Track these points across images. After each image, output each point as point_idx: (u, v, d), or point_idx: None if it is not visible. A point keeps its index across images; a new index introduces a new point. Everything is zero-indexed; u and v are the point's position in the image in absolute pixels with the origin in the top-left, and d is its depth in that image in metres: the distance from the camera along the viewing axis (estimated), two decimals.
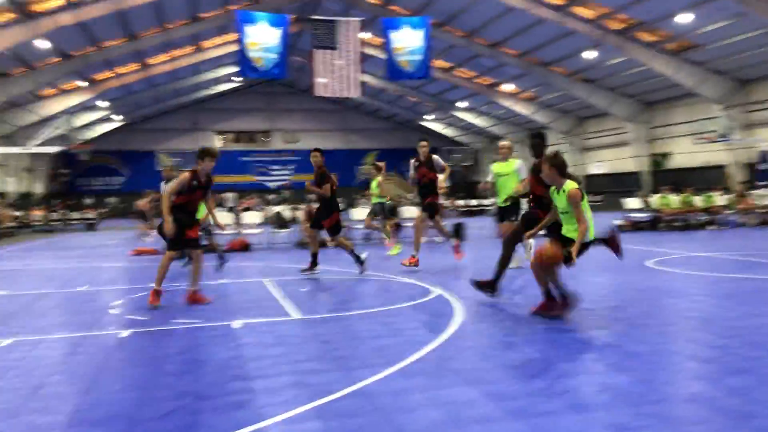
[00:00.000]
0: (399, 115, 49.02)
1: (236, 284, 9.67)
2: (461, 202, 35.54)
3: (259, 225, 18.15)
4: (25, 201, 36.60)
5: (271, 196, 40.90)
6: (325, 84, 25.21)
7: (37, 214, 31.26)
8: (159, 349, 5.62)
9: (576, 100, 35.24)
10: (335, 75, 25.09)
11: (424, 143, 11.19)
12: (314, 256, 10.23)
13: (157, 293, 7.63)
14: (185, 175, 7.77)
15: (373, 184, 15.38)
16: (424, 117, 47.45)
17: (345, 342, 5.69)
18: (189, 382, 4.59)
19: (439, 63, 33.70)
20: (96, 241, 20.99)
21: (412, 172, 11.28)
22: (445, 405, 3.96)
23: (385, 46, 26.33)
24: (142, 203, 20.00)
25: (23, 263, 14.05)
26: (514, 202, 10.14)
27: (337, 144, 49.72)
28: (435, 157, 11.16)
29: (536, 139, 7.79)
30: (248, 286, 9.44)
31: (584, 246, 6.10)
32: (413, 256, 10.48)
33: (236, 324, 6.59)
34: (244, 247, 15.36)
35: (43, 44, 24.42)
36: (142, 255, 14.52)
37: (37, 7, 22.56)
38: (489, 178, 10.67)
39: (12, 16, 22.18)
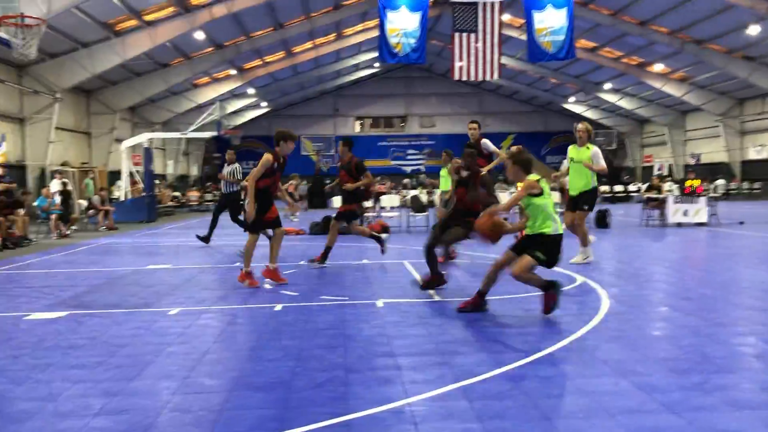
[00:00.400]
0: (538, 97, 47.76)
1: (378, 265, 9.92)
2: (604, 188, 34.19)
3: (397, 208, 18.48)
4: (182, 182, 39.56)
5: (405, 180, 41.39)
6: (463, 67, 25.04)
7: (193, 194, 33.76)
8: (309, 323, 5.92)
9: (734, 79, 32.62)
10: (474, 58, 24.86)
11: (473, 124, 10.27)
12: (376, 237, 10.03)
13: (247, 274, 8.00)
14: (268, 157, 8.03)
15: (443, 172, 13.61)
16: (566, 99, 45.91)
17: (488, 326, 5.71)
18: (339, 355, 4.81)
19: (582, 43, 32.40)
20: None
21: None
22: (593, 394, 3.89)
23: (527, 27, 25.70)
24: (289, 186, 21.05)
25: (182, 240, 15.21)
26: (588, 191, 9.54)
27: None
28: (485, 141, 10.17)
29: (470, 150, 7.62)
30: (389, 267, 9.66)
31: (554, 242, 5.89)
32: None
33: (380, 303, 6.80)
34: (384, 230, 15.69)
35: (199, 35, 26.10)
36: (288, 234, 15.24)
37: (195, 1, 24.13)
38: (565, 163, 9.99)
39: (173, 10, 23.89)
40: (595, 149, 9.46)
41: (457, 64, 24.93)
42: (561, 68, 37.80)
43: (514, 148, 6.42)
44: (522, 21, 28.03)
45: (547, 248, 5.86)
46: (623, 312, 6.21)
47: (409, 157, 50.47)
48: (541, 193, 5.83)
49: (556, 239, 5.87)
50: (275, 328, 5.80)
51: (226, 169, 13.61)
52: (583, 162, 9.38)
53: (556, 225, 5.87)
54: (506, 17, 29.43)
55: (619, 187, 35.95)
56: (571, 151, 9.64)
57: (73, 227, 17.78)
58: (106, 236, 16.70)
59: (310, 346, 5.10)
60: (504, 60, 31.51)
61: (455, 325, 5.77)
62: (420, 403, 3.79)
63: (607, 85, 39.85)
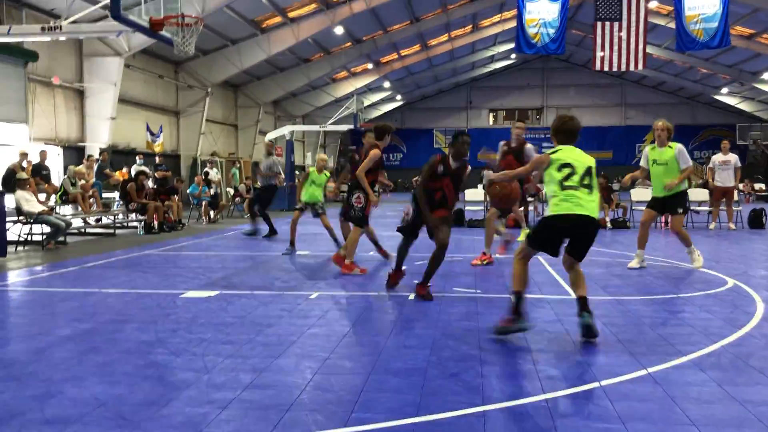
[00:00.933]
0: (686, 88, 44.89)
1: (509, 259, 9.78)
2: (759, 186, 31.70)
3: (531, 202, 18.08)
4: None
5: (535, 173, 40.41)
6: (605, 57, 24.04)
7: (330, 185, 34.79)
8: (442, 313, 5.98)
9: None
10: (617, 47, 23.79)
11: (520, 124, 9.41)
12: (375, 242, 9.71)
13: (353, 263, 8.36)
14: (376, 152, 8.25)
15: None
16: (717, 90, 42.86)
17: (629, 326, 5.49)
18: (472, 346, 4.82)
19: (738, 30, 30.08)
20: (379, 212, 22.73)
21: (498, 156, 9.62)
22: (747, 403, 3.64)
23: (675, 14, 24.22)
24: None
25: (320, 228, 15.76)
26: (678, 193, 8.61)
27: (613, 120, 47.29)
28: (529, 146, 9.35)
29: (465, 137, 6.81)
30: None
31: (545, 223, 5.10)
32: (484, 253, 9.29)
33: (513, 298, 6.72)
34: (516, 224, 15.50)
35: (339, 30, 26.85)
36: None
37: None
38: (642, 163, 9.00)
39: (315, 6, 24.75)
40: (678, 147, 8.57)
41: (599, 54, 23.98)
42: (713, 57, 35.34)
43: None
44: (670, 8, 26.47)
45: (539, 226, 5.21)
46: None
47: (544, 149, 49.19)
48: (549, 165, 5.11)
49: (548, 220, 5.06)
50: (409, 316, 5.91)
51: (266, 162, 13.65)
52: (668, 163, 8.58)
53: (554, 206, 5.02)
54: (653, 4, 27.91)
55: None
56: (652, 152, 8.81)
57: (222, 214, 18.98)
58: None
59: (444, 336, 5.15)
60: (649, 49, 29.90)
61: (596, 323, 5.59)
62: (558, 399, 3.73)
63: (766, 75, 36.77)
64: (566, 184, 4.98)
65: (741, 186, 31.19)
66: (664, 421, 3.40)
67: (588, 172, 5.05)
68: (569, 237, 5.05)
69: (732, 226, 14.80)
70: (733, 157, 14.99)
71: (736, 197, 15.83)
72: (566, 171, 5.02)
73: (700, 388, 3.91)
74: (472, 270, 8.70)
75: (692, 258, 8.77)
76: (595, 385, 3.95)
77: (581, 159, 5.12)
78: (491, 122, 49.47)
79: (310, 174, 11.21)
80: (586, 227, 4.98)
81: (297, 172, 30.12)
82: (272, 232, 13.56)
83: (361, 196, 8.34)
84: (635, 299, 6.68)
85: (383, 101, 44.61)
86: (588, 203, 4.95)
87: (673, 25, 25.21)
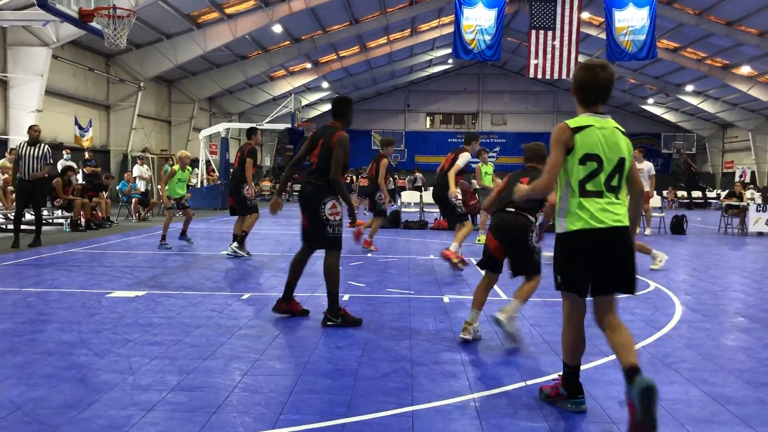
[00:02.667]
0: (615, 98, 46.42)
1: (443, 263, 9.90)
2: (681, 193, 33.10)
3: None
4: (256, 173, 40.48)
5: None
6: (539, 65, 24.68)
7: (266, 184, 34.55)
8: (375, 314, 6.01)
9: None
10: (551, 56, 24.47)
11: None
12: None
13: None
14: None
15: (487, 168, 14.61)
16: (645, 100, 44.55)
17: (555, 327, 5.64)
18: (404, 347, 4.87)
19: (664, 43, 31.38)
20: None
21: (463, 164, 9.41)
22: (662, 401, 3.79)
23: (606, 26, 25.10)
24: (361, 180, 21.27)
25: (254, 228, 15.57)
26: None
27: (547, 127, 48.28)
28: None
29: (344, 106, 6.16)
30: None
31: (563, 247, 3.71)
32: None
33: (446, 298, 6.82)
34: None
35: (277, 29, 26.60)
36: (358, 227, 15.38)
37: None
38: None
39: (253, 3, 24.44)
40: (648, 164, 9.04)
41: (533, 62, 24.60)
42: (641, 68, 36.73)
43: None
44: (601, 19, 27.39)
45: (558, 255, 3.81)
46: (697, 320, 6.03)
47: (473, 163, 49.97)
48: (571, 151, 3.57)
49: (566, 240, 3.66)
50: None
51: (33, 151, 10.52)
52: None
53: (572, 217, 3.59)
54: (585, 15, 28.80)
55: (696, 193, 34.72)
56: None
57: (152, 211, 18.49)
58: (183, 221, 17.26)
59: (377, 337, 5.18)
60: (581, 59, 30.80)
61: (523, 325, 5.73)
62: (485, 399, 3.80)
63: (689, 87, 38.46)
64: (588, 186, 3.51)
65: (665, 193, 32.52)
66: (585, 419, 3.52)
67: (619, 167, 3.56)
68: (595, 262, 3.57)
69: (647, 231, 15.36)
70: (646, 165, 15.20)
71: (653, 203, 16.43)
72: (592, 166, 3.52)
73: (621, 388, 4.04)
74: (406, 271, 8.76)
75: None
76: (521, 384, 4.05)
77: (611, 146, 3.57)
78: (428, 126, 49.94)
79: (176, 173, 11.56)
80: (614, 243, 3.50)
81: (232, 170, 29.70)
82: (37, 241, 10.91)
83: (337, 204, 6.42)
84: (559, 300, 6.85)
85: (321, 101, 44.41)
86: (614, 209, 3.50)
87: (604, 35, 26.11)
